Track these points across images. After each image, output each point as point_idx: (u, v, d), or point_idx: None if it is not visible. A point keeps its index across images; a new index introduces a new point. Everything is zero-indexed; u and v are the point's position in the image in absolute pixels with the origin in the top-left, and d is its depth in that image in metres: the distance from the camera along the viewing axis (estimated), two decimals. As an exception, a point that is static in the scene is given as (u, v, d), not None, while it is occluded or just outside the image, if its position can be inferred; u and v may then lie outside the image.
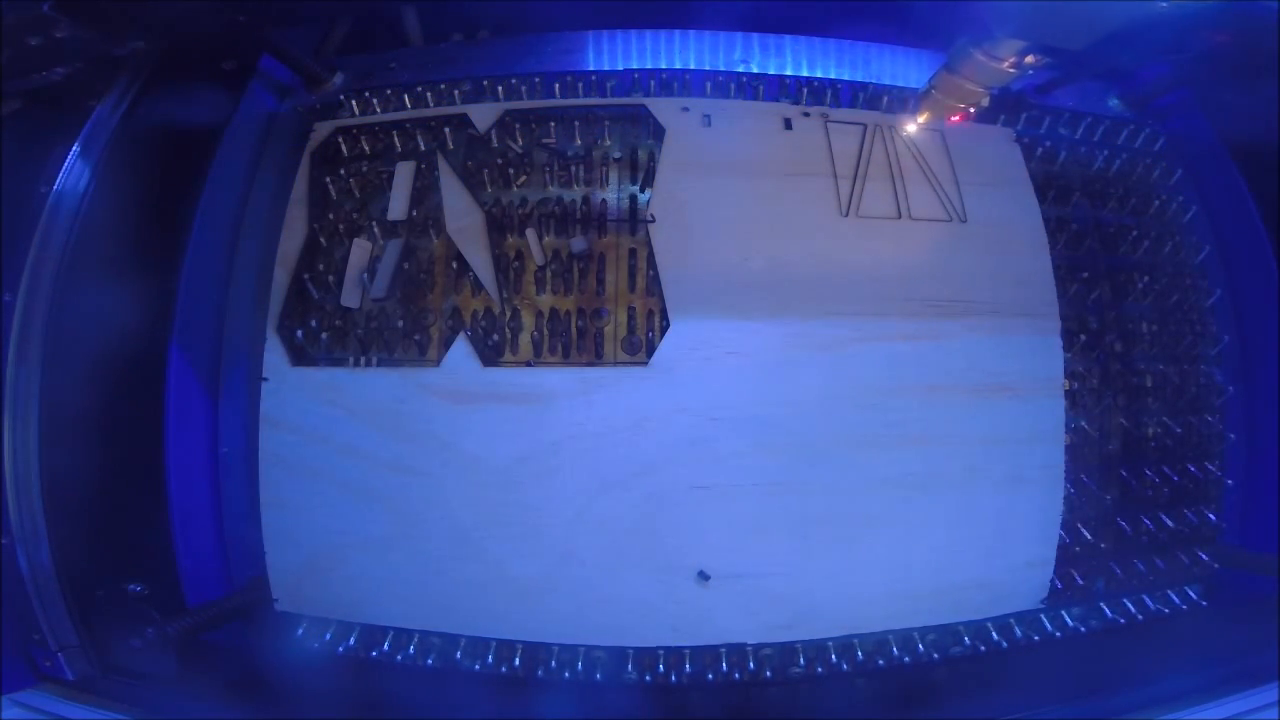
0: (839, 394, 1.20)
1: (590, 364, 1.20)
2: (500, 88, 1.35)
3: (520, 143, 1.31)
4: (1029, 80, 1.31)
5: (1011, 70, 1.10)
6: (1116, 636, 1.26)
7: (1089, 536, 1.26)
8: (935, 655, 1.21)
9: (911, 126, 1.31)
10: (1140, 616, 1.28)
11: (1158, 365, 1.33)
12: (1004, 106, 1.35)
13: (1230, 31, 1.10)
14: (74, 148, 1.23)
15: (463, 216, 1.27)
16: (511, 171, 1.29)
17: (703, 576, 1.17)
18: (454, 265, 1.24)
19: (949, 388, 1.22)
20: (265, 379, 1.23)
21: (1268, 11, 1.03)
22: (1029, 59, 1.08)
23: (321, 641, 1.22)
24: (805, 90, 1.36)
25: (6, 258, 1.16)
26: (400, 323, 1.23)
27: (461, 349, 1.21)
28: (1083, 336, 1.29)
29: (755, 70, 1.40)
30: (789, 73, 1.40)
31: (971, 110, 1.21)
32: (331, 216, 1.29)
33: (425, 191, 1.29)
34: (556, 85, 1.36)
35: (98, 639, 1.16)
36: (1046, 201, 1.32)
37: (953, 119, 1.25)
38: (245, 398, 1.26)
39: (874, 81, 1.40)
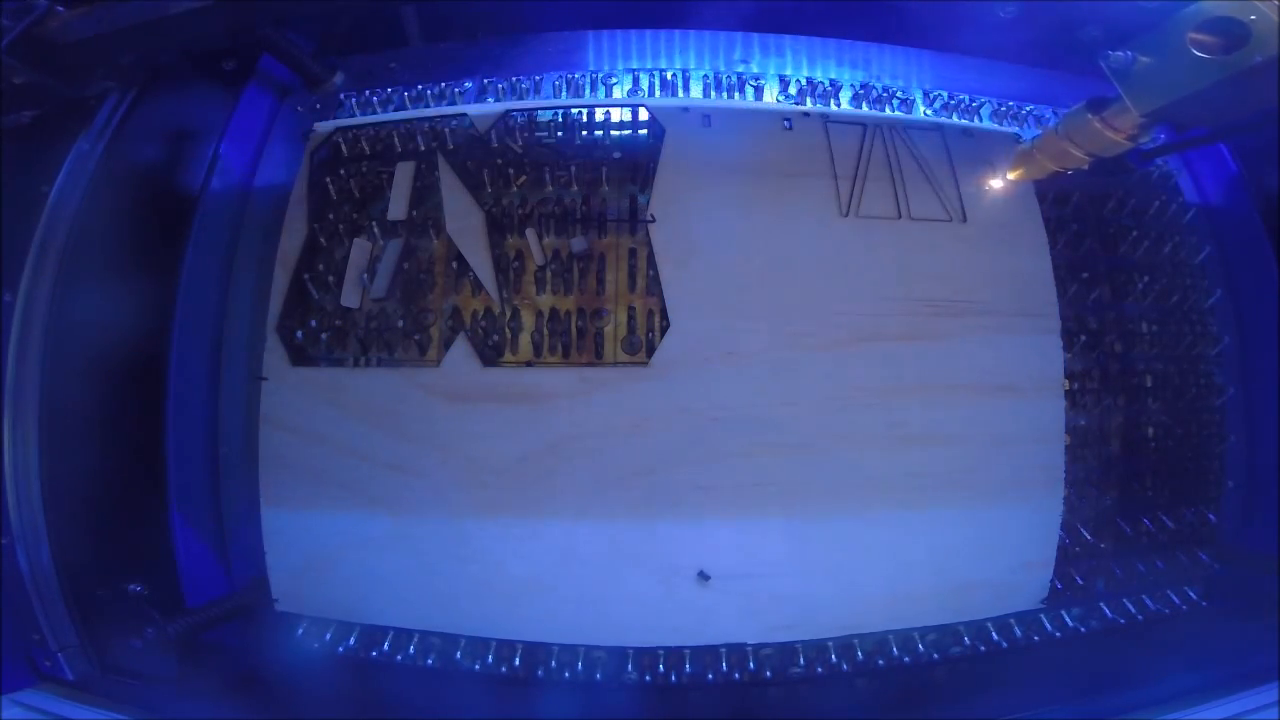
0: (839, 394, 1.20)
1: (590, 364, 1.20)
2: (500, 88, 1.35)
3: (520, 143, 1.31)
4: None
5: (1126, 142, 1.06)
6: (1116, 636, 1.26)
7: (1089, 537, 1.26)
8: (935, 655, 1.21)
9: (999, 183, 1.30)
10: (1140, 616, 1.28)
11: (1158, 365, 1.33)
12: (1102, 169, 1.25)
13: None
14: (75, 147, 1.23)
15: (463, 216, 1.27)
16: (511, 171, 1.29)
17: (703, 576, 1.17)
18: (454, 265, 1.24)
19: (949, 388, 1.22)
20: (265, 379, 1.23)
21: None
22: (1147, 132, 1.03)
23: (321, 641, 1.22)
24: (805, 90, 1.36)
25: (6, 258, 1.16)
26: (400, 323, 1.23)
27: (461, 349, 1.21)
28: (1083, 336, 1.29)
29: (755, 70, 1.40)
30: (789, 73, 1.40)
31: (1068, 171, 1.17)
32: (331, 216, 1.29)
33: (425, 191, 1.29)
34: (556, 85, 1.36)
35: (98, 639, 1.16)
36: (1046, 201, 1.32)
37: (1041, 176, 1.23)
38: (245, 398, 1.26)
39: (874, 81, 1.40)
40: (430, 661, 1.20)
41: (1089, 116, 1.07)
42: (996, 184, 1.30)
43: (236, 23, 1.15)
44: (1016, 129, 1.38)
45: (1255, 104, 0.94)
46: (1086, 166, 1.16)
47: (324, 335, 1.24)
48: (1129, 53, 0.97)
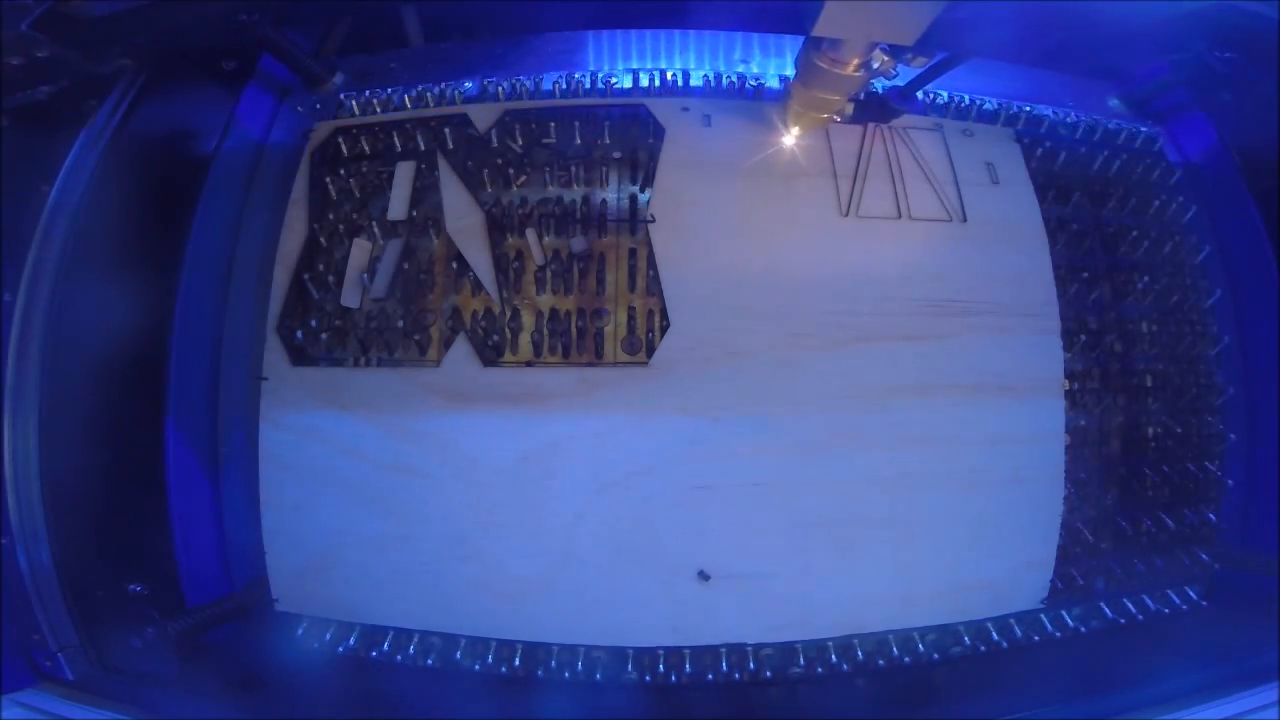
0: (839, 394, 1.20)
1: (590, 364, 1.20)
2: (500, 88, 1.35)
3: (520, 143, 1.31)
4: (891, 81, 1.13)
5: (860, 74, 1.00)
6: (1116, 636, 1.26)
7: (1089, 536, 1.26)
8: (935, 655, 1.21)
9: (789, 139, 1.27)
10: (1140, 616, 1.28)
11: (1158, 365, 1.33)
12: (869, 111, 1.22)
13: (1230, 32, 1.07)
14: (75, 147, 1.23)
15: (463, 216, 1.27)
16: (511, 171, 1.29)
17: (703, 576, 1.17)
18: (454, 265, 1.24)
19: (949, 388, 1.22)
20: (265, 379, 1.23)
21: (1267, 11, 1.03)
22: (880, 61, 0.96)
23: (321, 641, 1.22)
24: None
25: (6, 258, 1.16)
26: (400, 323, 1.23)
27: (461, 349, 1.21)
28: (1083, 336, 1.29)
29: (755, 70, 1.40)
30: (789, 73, 1.40)
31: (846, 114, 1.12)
32: (331, 216, 1.29)
33: (425, 191, 1.29)
34: (556, 85, 1.36)
35: (98, 639, 1.16)
36: (1046, 201, 1.32)
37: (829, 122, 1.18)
38: (245, 398, 1.26)
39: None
40: (430, 661, 1.20)
41: (811, 56, 1.01)
42: (789, 142, 1.27)
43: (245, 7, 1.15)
44: (1016, 129, 1.38)
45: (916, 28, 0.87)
46: (851, 109, 1.12)
47: (324, 335, 1.24)
48: None
